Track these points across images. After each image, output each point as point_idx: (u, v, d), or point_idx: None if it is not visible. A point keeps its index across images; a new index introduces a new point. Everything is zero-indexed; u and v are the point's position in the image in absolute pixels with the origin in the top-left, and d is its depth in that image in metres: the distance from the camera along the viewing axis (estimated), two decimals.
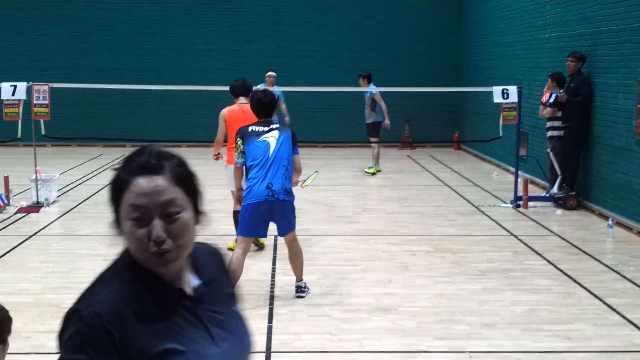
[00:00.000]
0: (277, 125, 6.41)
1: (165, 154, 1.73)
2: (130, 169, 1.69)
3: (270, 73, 14.09)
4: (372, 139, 13.61)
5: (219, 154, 8.22)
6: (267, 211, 6.13)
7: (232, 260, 6.10)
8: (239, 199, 6.46)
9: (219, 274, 1.89)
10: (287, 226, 6.29)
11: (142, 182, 1.66)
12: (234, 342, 1.80)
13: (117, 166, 1.73)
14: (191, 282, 1.79)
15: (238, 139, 6.29)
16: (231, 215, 7.93)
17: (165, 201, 1.66)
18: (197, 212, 1.77)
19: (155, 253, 1.66)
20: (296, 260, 6.47)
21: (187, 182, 1.74)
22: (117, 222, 1.72)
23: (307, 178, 7.55)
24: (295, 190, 6.51)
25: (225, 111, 7.81)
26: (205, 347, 1.73)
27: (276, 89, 12.70)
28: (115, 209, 1.71)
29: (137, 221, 1.67)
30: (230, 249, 7.76)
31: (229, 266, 1.94)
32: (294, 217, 6.34)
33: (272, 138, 6.23)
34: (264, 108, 6.40)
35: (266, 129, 6.29)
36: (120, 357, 1.61)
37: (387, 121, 13.50)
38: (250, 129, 6.32)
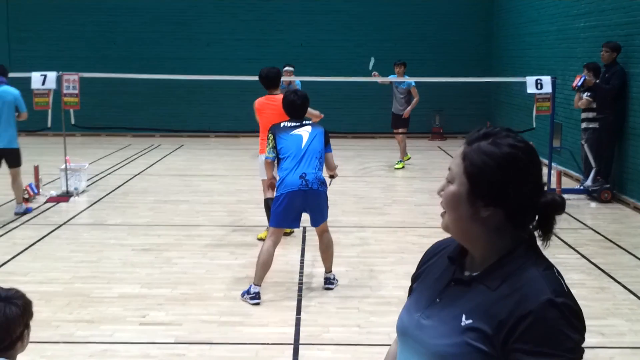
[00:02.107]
0: (310, 122, 6.49)
1: (495, 141, 1.77)
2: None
3: (287, 68, 12.71)
4: (401, 130, 13.37)
5: None
6: (301, 201, 6.10)
7: (262, 252, 6.12)
8: (270, 186, 6.58)
9: (501, 306, 1.69)
10: (320, 216, 6.26)
11: None
12: (426, 331, 1.77)
13: None
14: (473, 270, 1.81)
15: (270, 135, 6.32)
16: (261, 205, 7.89)
17: (449, 166, 1.79)
18: (474, 203, 1.72)
19: None
20: (327, 251, 6.44)
21: (473, 165, 1.74)
22: None
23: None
24: None
25: (255, 102, 7.92)
26: (417, 305, 1.84)
27: (295, 79, 12.37)
28: None
29: None
30: (261, 239, 7.74)
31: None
32: (327, 207, 6.32)
33: (304, 132, 6.29)
34: (296, 109, 6.44)
35: (298, 124, 6.36)
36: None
37: (407, 111, 13.10)
38: (282, 124, 6.38)
